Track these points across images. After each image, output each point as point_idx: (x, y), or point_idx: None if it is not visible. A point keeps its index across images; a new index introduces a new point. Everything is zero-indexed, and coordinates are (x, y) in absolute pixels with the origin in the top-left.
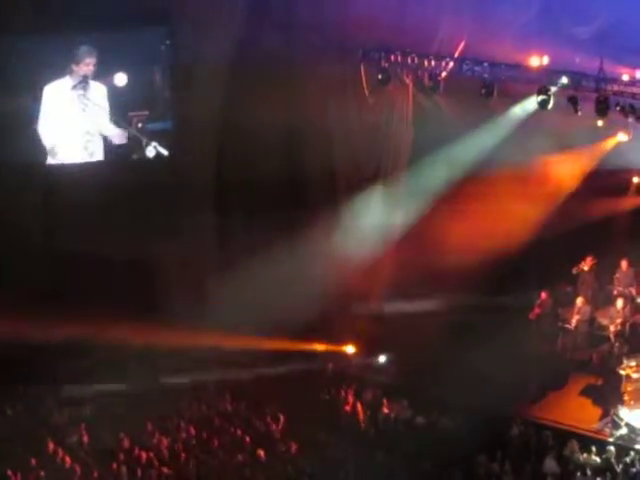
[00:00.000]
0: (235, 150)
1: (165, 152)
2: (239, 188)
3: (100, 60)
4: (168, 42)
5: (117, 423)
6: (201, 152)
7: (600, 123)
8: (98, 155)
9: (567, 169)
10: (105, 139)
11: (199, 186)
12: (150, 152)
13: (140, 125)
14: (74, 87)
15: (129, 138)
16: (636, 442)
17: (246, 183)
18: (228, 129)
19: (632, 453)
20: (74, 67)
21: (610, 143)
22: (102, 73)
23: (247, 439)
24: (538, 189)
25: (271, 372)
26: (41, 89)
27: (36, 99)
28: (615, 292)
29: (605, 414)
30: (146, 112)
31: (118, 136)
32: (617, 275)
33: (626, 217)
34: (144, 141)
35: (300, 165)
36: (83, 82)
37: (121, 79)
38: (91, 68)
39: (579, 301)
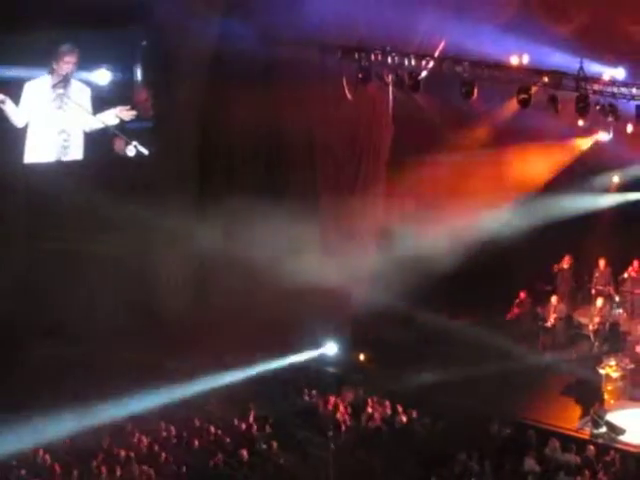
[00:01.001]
0: (215, 149)
1: (145, 151)
2: (219, 188)
3: (81, 58)
4: (146, 41)
5: None
6: (181, 151)
7: (581, 122)
8: (77, 154)
9: (541, 163)
10: (85, 138)
11: (179, 184)
12: (130, 151)
13: (120, 124)
14: (54, 85)
15: (109, 137)
16: (616, 441)
17: (226, 183)
18: (208, 128)
19: (612, 452)
20: (54, 65)
21: (589, 142)
22: (83, 71)
23: (227, 439)
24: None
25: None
26: (21, 87)
27: (16, 97)
28: (594, 291)
29: (585, 413)
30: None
31: (98, 135)
32: (596, 274)
33: (605, 216)
34: (124, 140)
35: (281, 165)
36: (64, 81)
37: (103, 76)
38: (71, 67)
39: (554, 299)
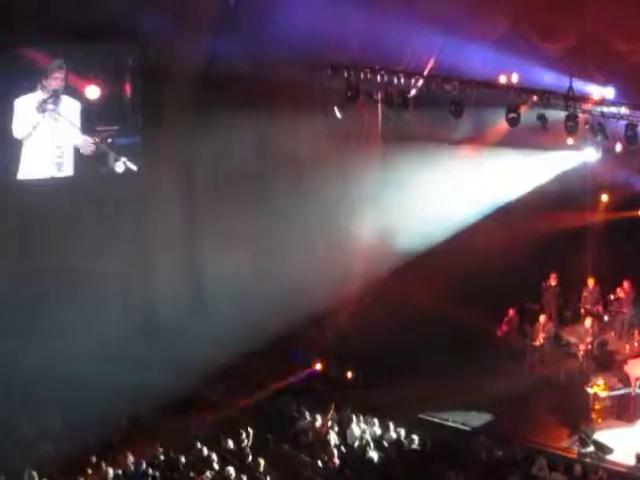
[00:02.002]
0: (204, 166)
1: (134, 167)
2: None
3: (71, 74)
4: (135, 58)
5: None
6: (170, 167)
7: (570, 141)
8: (68, 170)
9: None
10: (76, 154)
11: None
12: (119, 167)
13: (109, 140)
14: (44, 101)
15: (98, 153)
16: (604, 460)
17: (216, 198)
18: (197, 144)
19: (599, 471)
20: (44, 81)
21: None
22: (73, 87)
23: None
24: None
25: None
26: (11, 103)
27: (6, 113)
28: (582, 310)
29: (573, 432)
30: (115, 127)
31: (88, 150)
32: (584, 293)
33: (594, 234)
34: (113, 156)
35: (269, 181)
36: (53, 96)
37: (93, 92)
38: (60, 82)
39: (542, 318)
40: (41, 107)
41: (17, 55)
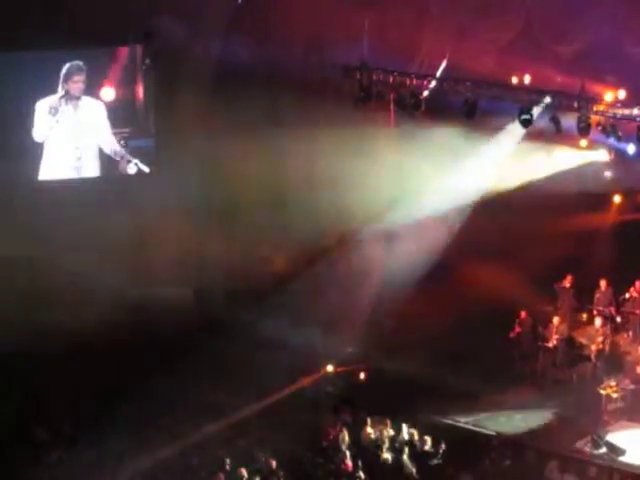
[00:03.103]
0: (217, 169)
1: (146, 169)
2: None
3: (87, 76)
4: (149, 60)
5: None
6: (182, 169)
7: (584, 143)
8: (91, 172)
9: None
10: (100, 155)
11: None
12: (131, 169)
13: (123, 142)
14: (65, 103)
15: (115, 154)
16: (616, 462)
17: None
18: (209, 147)
19: (612, 473)
20: (64, 84)
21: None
22: (89, 89)
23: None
24: None
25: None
26: (33, 105)
27: (27, 115)
28: (595, 312)
29: (585, 434)
30: (129, 129)
31: (110, 151)
32: (597, 295)
33: (606, 236)
34: (126, 158)
35: (282, 185)
36: (73, 99)
37: (108, 94)
38: (80, 85)
39: (556, 320)
40: (56, 109)
41: (37, 58)
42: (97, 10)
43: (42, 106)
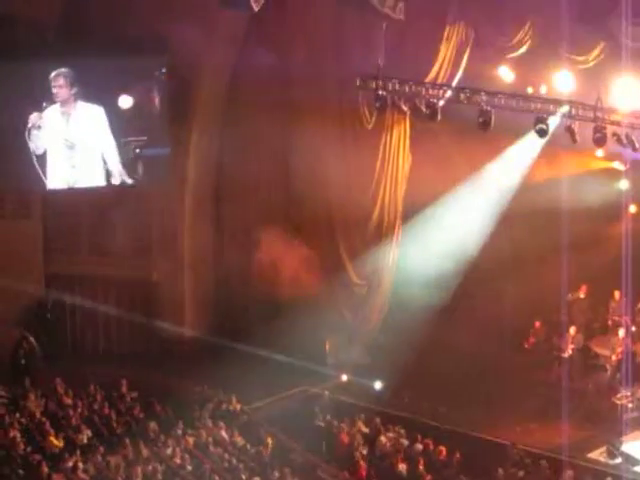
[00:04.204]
0: (232, 177)
1: (130, 181)
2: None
3: (102, 84)
4: (164, 69)
5: None
6: (197, 177)
7: (600, 153)
8: (97, 180)
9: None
10: (104, 164)
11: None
12: (115, 180)
13: (137, 150)
14: (62, 112)
15: (124, 163)
16: (632, 472)
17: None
18: (224, 156)
19: None
20: (53, 91)
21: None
22: (105, 97)
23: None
24: None
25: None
26: (39, 113)
27: (33, 124)
28: (610, 322)
29: (601, 444)
30: (144, 137)
31: (115, 160)
32: (612, 304)
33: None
34: (139, 166)
35: (297, 194)
36: (67, 105)
37: (126, 102)
38: (65, 91)
39: (572, 330)
40: (63, 117)
41: (48, 67)
42: (114, 20)
43: (48, 114)
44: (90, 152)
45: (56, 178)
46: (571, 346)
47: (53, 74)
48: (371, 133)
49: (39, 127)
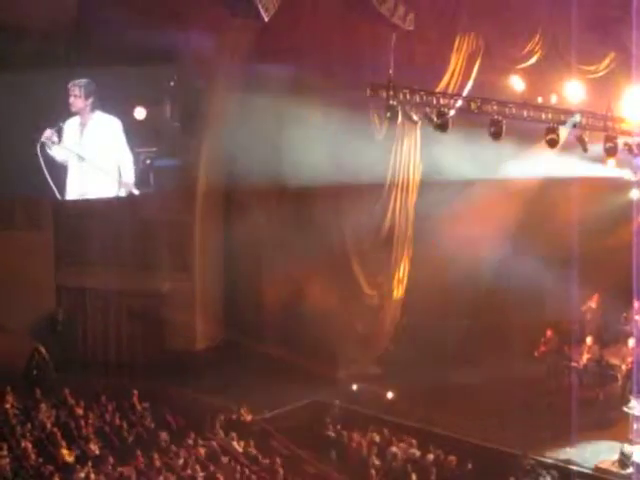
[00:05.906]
0: (242, 188)
1: (136, 192)
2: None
3: (117, 96)
4: (175, 80)
5: None
6: (209, 188)
7: (612, 162)
8: (109, 191)
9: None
10: (119, 175)
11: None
12: (122, 192)
13: (148, 161)
14: (80, 123)
15: (137, 173)
16: None
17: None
18: (235, 166)
19: None
20: (70, 102)
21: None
22: (120, 108)
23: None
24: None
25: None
26: (55, 126)
27: (48, 136)
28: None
29: (613, 453)
30: (154, 148)
31: (129, 170)
32: (624, 314)
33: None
34: (151, 177)
35: (306, 204)
36: (84, 116)
37: (140, 113)
38: (81, 101)
39: (589, 340)
40: (79, 128)
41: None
42: (126, 31)
43: (68, 126)
44: (105, 163)
45: (71, 189)
46: (587, 356)
47: (70, 84)
48: (382, 143)
49: (55, 139)
